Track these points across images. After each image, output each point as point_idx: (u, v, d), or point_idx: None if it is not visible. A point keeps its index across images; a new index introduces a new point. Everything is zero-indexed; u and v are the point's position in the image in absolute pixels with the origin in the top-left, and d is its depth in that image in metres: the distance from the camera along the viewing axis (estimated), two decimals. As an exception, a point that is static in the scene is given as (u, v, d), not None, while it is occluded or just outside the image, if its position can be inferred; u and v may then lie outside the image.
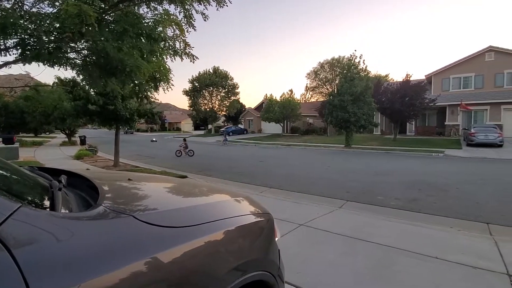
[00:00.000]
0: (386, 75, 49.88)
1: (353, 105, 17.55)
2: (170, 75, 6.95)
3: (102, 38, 4.93)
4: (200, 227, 1.27)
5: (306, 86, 50.03)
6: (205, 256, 1.19)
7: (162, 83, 7.32)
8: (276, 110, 30.36)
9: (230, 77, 41.61)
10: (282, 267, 1.74)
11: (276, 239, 1.77)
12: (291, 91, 33.49)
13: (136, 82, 6.69)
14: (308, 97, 51.56)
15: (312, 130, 32.68)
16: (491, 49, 23.48)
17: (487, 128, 17.01)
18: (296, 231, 4.07)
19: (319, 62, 46.26)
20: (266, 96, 34.67)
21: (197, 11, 5.88)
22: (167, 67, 6.75)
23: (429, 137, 22.57)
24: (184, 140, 16.03)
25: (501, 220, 4.76)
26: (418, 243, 3.64)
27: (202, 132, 50.40)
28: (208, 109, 42.14)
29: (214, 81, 40.14)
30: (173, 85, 7.25)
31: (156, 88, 7.63)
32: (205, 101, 42.51)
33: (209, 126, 46.80)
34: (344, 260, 3.19)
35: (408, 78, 21.04)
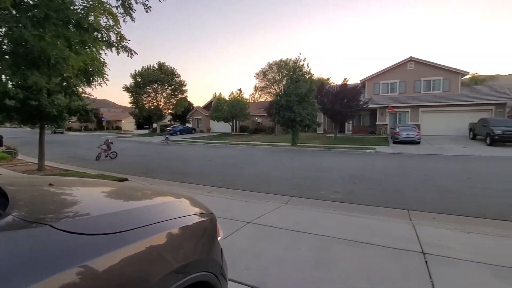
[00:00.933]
0: (328, 78, 53.75)
1: (299, 106, 18.49)
2: (106, 69, 6.35)
3: (20, 25, 4.25)
4: (136, 232, 1.19)
5: (255, 86, 51.04)
6: (140, 262, 1.12)
7: (96, 77, 6.64)
8: (225, 109, 30.24)
9: (177, 74, 39.91)
10: (225, 265, 1.73)
11: (219, 238, 1.75)
12: (240, 90, 33.74)
13: (64, 75, 5.92)
14: (257, 97, 52.65)
15: (260, 129, 33.45)
16: (411, 60, 27.18)
17: (408, 128, 19.66)
18: (244, 229, 4.11)
19: (268, 62, 47.63)
20: (215, 95, 34.19)
21: (137, 1, 5.48)
22: (102, 60, 6.15)
23: (363, 136, 25.13)
24: (107, 140, 14.31)
25: (419, 206, 5.54)
26: (352, 231, 4.00)
27: (146, 131, 47.34)
28: (152, 107, 39.70)
29: (160, 78, 37.99)
30: (108, 80, 6.65)
31: (88, 83, 6.90)
32: (149, 98, 39.97)
33: (154, 125, 44.23)
34: (288, 252, 3.33)
35: (346, 82, 23.06)
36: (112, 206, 1.60)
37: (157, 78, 37.90)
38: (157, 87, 39.39)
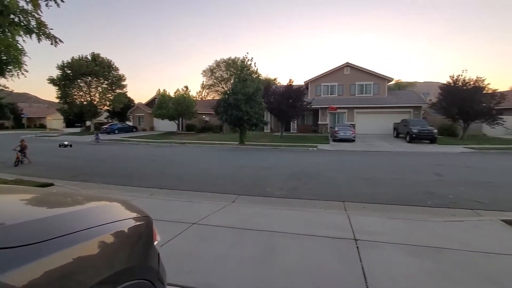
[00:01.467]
0: (275, 79, 55.63)
1: (246, 105, 18.70)
2: (24, 57, 5.47)
3: None
4: (57, 241, 1.07)
5: (202, 84, 49.87)
6: (62, 273, 1.02)
7: (11, 66, 5.67)
8: (170, 106, 28.85)
9: (115, 67, 36.49)
10: (162, 271, 1.64)
11: (156, 242, 1.65)
12: (186, 87, 32.57)
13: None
14: (204, 95, 51.53)
15: (208, 128, 32.85)
16: (348, 65, 29.87)
17: (345, 127, 21.58)
18: (188, 231, 3.97)
19: (216, 60, 46.94)
20: (159, 91, 32.28)
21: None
22: (19, 47, 5.28)
23: (307, 134, 26.70)
24: (22, 141, 11.77)
25: (353, 197, 6.11)
26: (295, 225, 4.21)
27: (78, 129, 42.30)
28: (85, 103, 35.61)
29: (94, 70, 34.22)
30: (26, 71, 5.74)
31: (2, 73, 5.85)
32: (81, 93, 35.76)
33: (88, 123, 39.81)
34: (234, 250, 3.33)
35: (291, 83, 24.18)
36: (29, 214, 1.37)
37: (90, 71, 34.09)
38: (90, 81, 35.43)
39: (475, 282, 2.71)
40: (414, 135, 19.33)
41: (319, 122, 28.46)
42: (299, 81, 36.28)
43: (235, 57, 44.00)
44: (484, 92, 20.11)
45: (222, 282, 2.66)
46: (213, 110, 31.84)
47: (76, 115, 39.79)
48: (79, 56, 34.71)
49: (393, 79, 31.80)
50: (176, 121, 32.37)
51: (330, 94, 29.98)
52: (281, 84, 34.20)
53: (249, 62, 20.26)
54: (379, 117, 26.78)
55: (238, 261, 3.07)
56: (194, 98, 34.01)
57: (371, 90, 29.02)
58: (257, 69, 20.84)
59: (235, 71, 26.42)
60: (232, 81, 23.79)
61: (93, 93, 36.14)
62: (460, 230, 4.10)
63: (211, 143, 20.60)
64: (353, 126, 24.13)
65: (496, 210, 5.12)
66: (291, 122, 28.40)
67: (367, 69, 29.26)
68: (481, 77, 20.45)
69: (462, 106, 19.87)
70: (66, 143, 18.89)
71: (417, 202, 5.82)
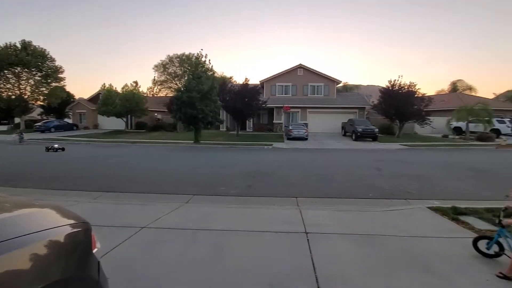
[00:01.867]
0: (231, 77, 55.38)
1: (201, 103, 18.28)
2: None
3: None
4: None
5: (154, 79, 47.22)
6: None
7: None
8: (117, 103, 26.76)
9: (50, 57, 32.39)
10: (103, 280, 1.51)
11: (95, 250, 1.51)
12: (136, 82, 30.58)
13: None
14: (156, 91, 48.93)
15: (160, 126, 31.28)
16: (301, 66, 31.21)
17: (299, 126, 22.54)
18: (137, 235, 3.75)
19: (168, 55, 44.78)
20: (104, 86, 29.68)
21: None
22: None
23: (263, 133, 27.20)
24: None
25: (305, 193, 6.42)
26: (250, 222, 4.26)
27: (5, 127, 36.70)
28: (14, 97, 31.05)
29: (24, 60, 29.95)
30: None
31: None
32: (9, 86, 31.08)
33: (17, 120, 34.82)
34: (186, 252, 3.24)
35: (247, 82, 24.36)
36: None
37: (20, 60, 29.77)
38: (20, 72, 30.96)
39: (407, 262, 3.07)
40: (359, 134, 21.06)
41: (274, 121, 29.22)
42: (255, 80, 36.75)
43: (190, 53, 42.63)
44: (416, 96, 22.83)
45: (172, 287, 2.57)
46: (166, 107, 30.46)
47: (3, 111, 34.44)
48: (6, 43, 30.04)
49: (341, 81, 34.19)
50: (125, 119, 30.20)
51: (285, 94, 30.98)
52: (237, 82, 34.22)
53: (203, 59, 19.84)
54: (329, 116, 28.53)
55: (191, 263, 3.00)
56: (145, 95, 32.13)
57: (322, 91, 30.77)
58: (212, 67, 20.53)
59: (189, 68, 25.59)
60: (186, 78, 23.03)
61: (23, 86, 31.62)
62: (395, 217, 4.60)
63: (164, 142, 19.70)
64: (306, 125, 25.31)
65: (423, 199, 5.85)
66: (247, 121, 28.65)
67: (318, 71, 30.92)
68: (414, 83, 23.19)
69: (398, 108, 22.26)
70: (56, 146, 15.21)
71: (360, 194, 6.35)
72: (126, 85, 29.35)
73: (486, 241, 3.19)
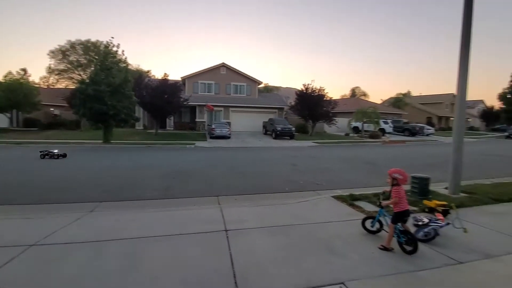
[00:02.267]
0: (149, 71, 51.32)
1: (112, 97, 16.28)
2: None
3: None
4: None
5: (50, 68, 39.48)
6: None
7: None
8: (-2, 94, 21.36)
9: None
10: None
11: None
12: (24, 70, 25.02)
13: None
14: (52, 82, 41.11)
15: (59, 124, 26.45)
16: (224, 65, 31.36)
17: (222, 125, 22.62)
18: (23, 255, 3.07)
19: (69, 40, 38.10)
20: (-24, 72, 23.25)
21: None
22: None
23: (185, 131, 26.19)
24: None
25: (227, 191, 6.47)
26: (167, 226, 4.03)
27: None
28: None
29: None
30: None
31: None
32: None
33: None
34: (88, 269, 2.83)
35: (166, 77, 22.93)
36: None
37: None
38: None
39: (314, 246, 3.44)
40: (278, 132, 22.60)
41: (196, 119, 28.52)
42: (175, 76, 35.02)
43: (97, 41, 37.41)
44: (325, 99, 25.94)
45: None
46: (66, 101, 25.95)
47: None
48: None
49: (262, 82, 35.96)
50: (9, 114, 24.42)
51: (208, 92, 30.60)
52: (156, 77, 31.91)
53: (115, 49, 17.74)
54: (251, 116, 29.61)
55: (98, 277, 2.64)
56: (37, 85, 26.66)
57: (245, 91, 31.68)
58: (126, 58, 18.56)
59: (96, 57, 22.45)
60: (93, 68, 20.15)
61: None
62: (305, 208, 5.10)
63: (64, 142, 16.74)
64: (229, 124, 25.64)
65: (330, 189, 6.69)
66: (167, 119, 27.08)
67: (241, 71, 31.69)
68: (323, 87, 26.31)
69: (311, 109, 24.90)
70: (56, 151, 11.13)
71: (278, 189, 6.81)
72: (10, 72, 23.72)
73: (370, 220, 3.87)
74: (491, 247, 3.52)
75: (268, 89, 58.93)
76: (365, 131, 27.09)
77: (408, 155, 14.87)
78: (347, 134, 28.00)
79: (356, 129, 28.92)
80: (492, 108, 48.83)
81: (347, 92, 66.36)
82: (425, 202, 4.78)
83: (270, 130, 24.57)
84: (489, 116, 47.58)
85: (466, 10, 6.10)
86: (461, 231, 3.71)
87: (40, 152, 11.10)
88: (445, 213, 4.14)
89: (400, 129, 30.26)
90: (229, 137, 21.53)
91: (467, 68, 6.13)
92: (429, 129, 31.83)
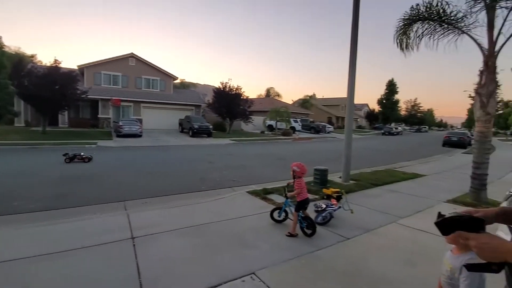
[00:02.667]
0: (33, 56, 42.00)
1: (-25, 85, 12.60)
2: None
3: None
4: None
5: None
6: None
7: None
8: None
9: None
10: None
11: None
12: None
13: None
14: None
15: None
16: (133, 56, 28.36)
17: (131, 122, 20.49)
18: None
19: None
20: None
21: None
22: None
23: (83, 129, 22.50)
24: None
25: (136, 195, 5.89)
26: (60, 241, 3.38)
27: None
28: None
29: None
30: None
31: None
32: None
33: None
34: None
35: (57, 64, 19.13)
36: None
37: None
38: None
39: (229, 242, 3.49)
40: (195, 130, 22.03)
41: (99, 116, 24.97)
42: (69, 64, 29.68)
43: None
44: (242, 97, 26.71)
45: None
46: None
47: None
48: None
49: (178, 77, 34.23)
50: None
51: (113, 85, 27.19)
52: (43, 64, 26.25)
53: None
54: (165, 112, 27.90)
55: None
56: None
57: (158, 85, 29.55)
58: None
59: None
60: None
61: None
62: (221, 205, 5.14)
63: None
64: (140, 121, 23.52)
65: (245, 185, 6.93)
66: (60, 114, 22.75)
67: (153, 64, 29.38)
68: (240, 86, 27.04)
69: (228, 107, 25.22)
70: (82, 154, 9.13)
71: (194, 188, 6.63)
72: None
73: (278, 211, 4.20)
74: (369, 223, 4.33)
75: (185, 85, 56.83)
76: (279, 129, 29.31)
77: (313, 150, 16.85)
78: (262, 132, 29.67)
79: (270, 127, 30.94)
80: (373, 110, 60.61)
81: (262, 92, 70.26)
82: (324, 190, 5.49)
83: (187, 128, 23.76)
84: (371, 117, 58.91)
85: (353, 30, 7.29)
86: (349, 212, 4.43)
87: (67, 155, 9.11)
88: (338, 198, 4.86)
89: (308, 128, 34.02)
90: (140, 136, 19.75)
91: (354, 78, 7.36)
92: (330, 127, 36.96)
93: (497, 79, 5.67)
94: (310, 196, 5.58)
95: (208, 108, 28.05)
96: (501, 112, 36.79)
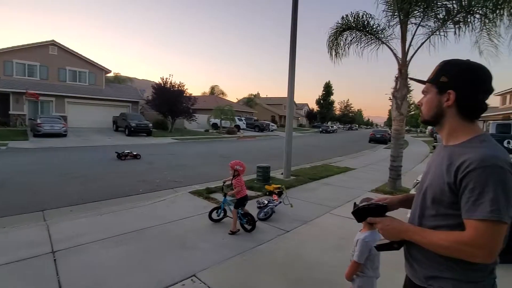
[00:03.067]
0: None
1: None
2: None
3: None
4: None
5: None
6: None
7: None
8: None
9: None
10: None
11: None
12: None
13: None
14: None
15: None
16: (54, 44, 24.64)
17: (53, 119, 17.85)
18: None
19: None
20: None
21: None
22: None
23: (-10, 128, 18.79)
24: None
25: (58, 202, 5.17)
26: None
27: None
28: None
29: None
30: None
31: None
32: None
33: None
34: None
35: None
36: None
37: None
38: None
39: (168, 245, 3.33)
40: (132, 129, 20.37)
41: (11, 112, 21.14)
42: (-31, 49, 24.31)
43: None
44: (184, 95, 25.68)
45: None
46: None
47: None
48: None
49: (111, 71, 31.12)
50: None
51: (29, 76, 23.32)
52: None
53: None
54: (96, 109, 25.12)
55: None
56: None
57: (87, 79, 26.39)
58: None
59: None
60: None
61: None
62: (162, 207, 4.88)
63: None
64: (65, 118, 20.73)
65: (187, 185, 6.70)
66: (-44, 110, 18.58)
67: (80, 54, 26.09)
68: (183, 83, 25.90)
69: (170, 104, 23.95)
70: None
71: (130, 191, 6.14)
72: None
73: (216, 210, 4.19)
74: (307, 215, 4.64)
75: (120, 80, 52.10)
76: (223, 127, 29.16)
77: (257, 148, 17.26)
78: (206, 130, 29.14)
79: (215, 126, 30.58)
80: (313, 110, 65.17)
81: (206, 90, 68.86)
82: (266, 187, 5.67)
83: (122, 126, 21.84)
84: (311, 116, 63.20)
85: (292, 31, 7.66)
86: (289, 206, 4.67)
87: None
88: (279, 194, 5.07)
89: (252, 126, 34.65)
90: (65, 135, 17.41)
91: (294, 78, 7.76)
92: (273, 126, 38.34)
93: (409, 85, 6.66)
94: (253, 193, 5.73)
95: (148, 105, 26.22)
96: (412, 112, 43.40)
